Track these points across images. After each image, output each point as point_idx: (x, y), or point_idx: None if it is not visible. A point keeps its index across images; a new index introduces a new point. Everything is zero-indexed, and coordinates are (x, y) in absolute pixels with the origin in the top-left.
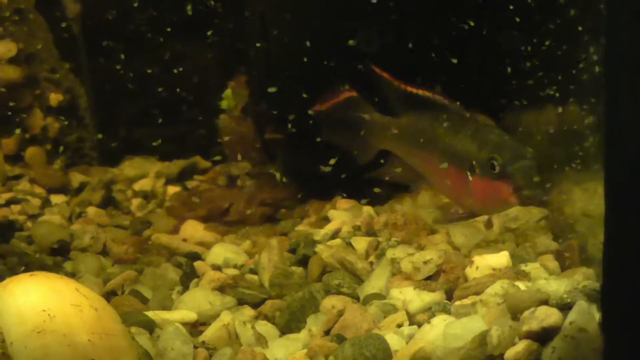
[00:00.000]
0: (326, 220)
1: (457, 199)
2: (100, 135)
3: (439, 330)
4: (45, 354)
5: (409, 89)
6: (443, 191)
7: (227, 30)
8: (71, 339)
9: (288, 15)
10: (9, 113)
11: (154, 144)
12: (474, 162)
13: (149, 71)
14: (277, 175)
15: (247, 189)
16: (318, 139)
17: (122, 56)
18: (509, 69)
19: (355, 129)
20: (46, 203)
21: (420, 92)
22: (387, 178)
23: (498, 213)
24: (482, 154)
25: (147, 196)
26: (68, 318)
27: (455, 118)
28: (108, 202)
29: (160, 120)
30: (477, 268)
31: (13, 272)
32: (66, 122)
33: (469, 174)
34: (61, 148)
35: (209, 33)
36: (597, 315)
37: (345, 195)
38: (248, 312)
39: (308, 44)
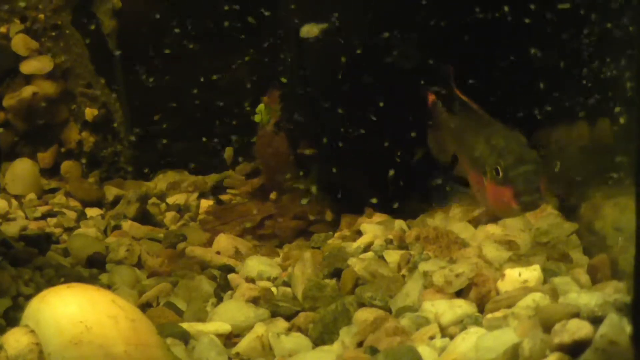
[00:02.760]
0: (358, 233)
1: (482, 202)
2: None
3: (471, 342)
4: None
5: (458, 93)
6: (475, 193)
7: (261, 45)
8: (108, 350)
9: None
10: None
11: (192, 165)
12: (486, 168)
13: (183, 86)
14: (313, 188)
15: (280, 203)
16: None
17: (157, 71)
18: (541, 85)
19: (437, 130)
20: (82, 216)
21: (463, 97)
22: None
23: (512, 217)
24: (490, 160)
25: (180, 209)
26: (105, 329)
27: (483, 123)
28: (143, 216)
29: (194, 135)
30: (509, 282)
31: (50, 283)
32: (101, 137)
33: (484, 178)
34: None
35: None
36: (628, 328)
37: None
38: (281, 324)
39: (343, 59)
